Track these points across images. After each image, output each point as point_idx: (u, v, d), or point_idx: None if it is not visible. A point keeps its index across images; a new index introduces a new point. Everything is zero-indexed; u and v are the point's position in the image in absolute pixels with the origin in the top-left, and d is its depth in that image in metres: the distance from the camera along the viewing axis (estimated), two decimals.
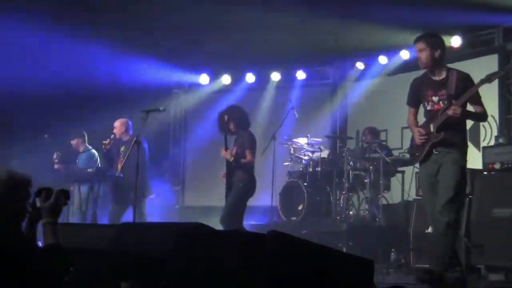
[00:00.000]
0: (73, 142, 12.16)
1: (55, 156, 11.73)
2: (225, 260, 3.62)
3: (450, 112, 6.99)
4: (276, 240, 3.36)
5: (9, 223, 4.37)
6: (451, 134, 7.13)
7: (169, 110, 16.01)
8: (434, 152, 7.22)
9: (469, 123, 12.09)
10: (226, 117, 9.75)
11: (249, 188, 9.70)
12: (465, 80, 7.19)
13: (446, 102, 7.13)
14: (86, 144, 12.18)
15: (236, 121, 9.73)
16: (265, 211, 12.35)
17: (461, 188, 7.14)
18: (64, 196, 4.60)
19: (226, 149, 9.62)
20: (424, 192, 7.65)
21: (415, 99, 7.64)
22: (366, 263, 3.83)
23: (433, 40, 7.29)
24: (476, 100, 7.22)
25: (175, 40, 13.72)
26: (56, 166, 11.67)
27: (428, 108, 7.38)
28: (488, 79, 7.12)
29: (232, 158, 9.50)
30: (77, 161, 11.99)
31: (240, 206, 9.59)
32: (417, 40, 7.35)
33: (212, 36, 13.25)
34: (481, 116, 7.48)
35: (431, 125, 7.26)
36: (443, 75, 7.29)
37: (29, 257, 4.19)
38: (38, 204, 4.51)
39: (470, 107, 7.33)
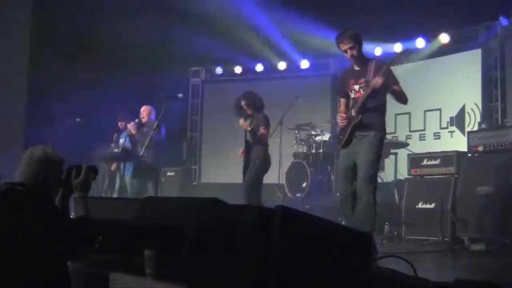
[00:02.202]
0: (122, 124, 12.15)
1: (115, 137, 11.81)
2: (237, 231, 3.64)
3: (373, 82, 6.90)
4: (283, 213, 3.37)
5: (44, 197, 4.43)
6: (369, 117, 7.06)
7: (187, 97, 16.05)
8: (354, 135, 7.13)
9: (454, 110, 12.29)
10: (242, 101, 9.80)
11: (265, 164, 9.74)
12: (381, 65, 7.04)
13: (365, 89, 7.05)
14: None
15: (251, 104, 9.75)
16: (272, 188, 12.39)
17: (374, 170, 7.05)
18: (93, 172, 4.64)
19: (244, 120, 9.70)
20: (339, 168, 7.55)
21: (343, 90, 7.52)
22: (365, 236, 3.85)
23: (356, 37, 7.10)
24: (395, 83, 7.10)
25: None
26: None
27: (352, 96, 7.28)
28: (395, 60, 7.32)
29: (249, 128, 9.56)
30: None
31: (258, 181, 9.64)
32: (342, 38, 7.14)
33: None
34: (402, 94, 7.23)
35: (352, 110, 7.18)
36: (363, 64, 7.21)
37: (62, 227, 4.24)
38: (70, 180, 4.57)
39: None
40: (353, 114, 7.14)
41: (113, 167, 11.80)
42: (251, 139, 9.59)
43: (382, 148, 7.29)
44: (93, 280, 4.47)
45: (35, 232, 4.04)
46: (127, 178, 11.18)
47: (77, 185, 4.49)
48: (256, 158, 9.56)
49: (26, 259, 4.02)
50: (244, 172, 9.63)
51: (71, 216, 4.57)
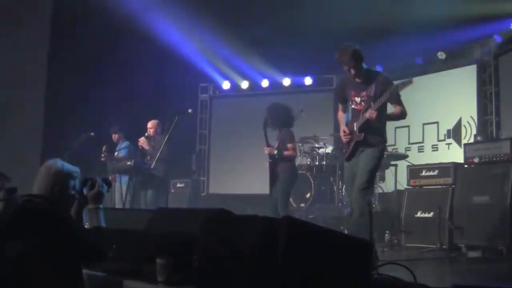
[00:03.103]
0: (114, 137, 12.20)
1: (104, 149, 11.79)
2: (244, 241, 3.65)
3: (367, 115, 6.88)
4: (288, 223, 3.38)
5: (60, 208, 4.44)
6: (371, 135, 7.01)
7: (196, 112, 16.07)
8: (358, 149, 7.09)
9: (450, 124, 12.31)
10: (267, 115, 9.58)
11: (293, 178, 9.56)
12: (384, 83, 6.94)
13: (366, 103, 6.99)
14: (124, 139, 12.22)
15: (276, 118, 9.52)
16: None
17: (370, 181, 6.97)
18: (107, 184, 4.68)
19: (268, 145, 9.48)
20: (346, 181, 7.50)
21: (341, 97, 7.46)
22: (367, 244, 3.84)
23: (356, 55, 6.91)
24: (396, 100, 7.02)
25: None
26: (103, 158, 11.72)
27: (353, 106, 7.21)
28: (397, 87, 6.82)
29: (275, 152, 9.35)
30: (116, 152, 12.00)
31: (287, 195, 9.46)
32: (342, 56, 6.99)
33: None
34: (400, 115, 7.16)
35: (355, 124, 7.12)
36: (364, 78, 7.07)
37: (77, 236, 4.25)
38: (84, 192, 4.59)
39: (391, 107, 7.19)
40: (355, 129, 7.11)
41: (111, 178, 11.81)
42: (278, 155, 9.38)
43: (382, 159, 7.30)
44: (108, 287, 4.48)
45: (52, 241, 4.06)
46: (123, 189, 11.21)
47: (91, 197, 4.53)
48: (284, 173, 9.38)
49: (43, 267, 4.03)
50: (271, 186, 9.38)
51: (86, 226, 4.59)
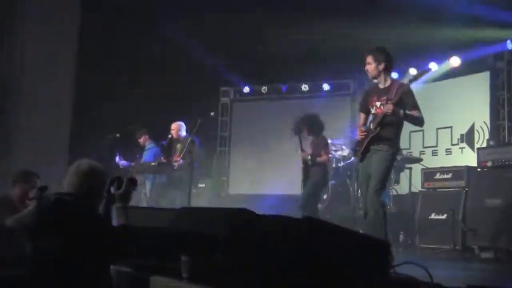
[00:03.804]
0: (141, 140, 12.26)
1: (117, 159, 11.86)
2: (266, 240, 3.67)
3: (384, 108, 6.90)
4: (309, 223, 3.39)
5: (89, 206, 4.48)
6: (386, 131, 6.98)
7: (217, 115, 16.11)
8: (370, 149, 7.07)
9: (464, 128, 12.25)
10: (303, 124, 9.78)
11: (322, 184, 9.84)
12: (407, 88, 6.99)
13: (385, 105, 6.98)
14: (150, 140, 12.28)
15: (310, 126, 9.75)
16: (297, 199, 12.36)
17: (383, 183, 6.96)
18: (133, 183, 4.69)
19: (302, 150, 9.65)
20: (360, 182, 7.49)
21: (364, 106, 7.45)
22: (384, 244, 3.84)
23: (379, 55, 7.05)
24: (413, 105, 7.00)
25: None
26: (121, 165, 11.78)
27: (372, 111, 7.20)
28: (414, 78, 7.20)
29: (309, 157, 9.53)
30: (141, 155, 12.06)
31: (314, 197, 9.66)
32: (366, 53, 7.13)
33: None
34: (417, 119, 7.12)
35: (371, 124, 7.13)
36: (388, 84, 7.12)
37: (105, 233, 4.29)
38: (112, 191, 4.62)
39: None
40: (371, 127, 7.10)
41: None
42: (311, 160, 9.55)
43: (394, 162, 7.28)
44: (135, 283, 4.51)
45: (81, 237, 4.10)
46: (148, 188, 11.27)
47: (118, 196, 4.55)
48: (315, 176, 9.57)
49: (73, 262, 4.07)
50: (304, 187, 9.65)
51: (113, 224, 4.62)
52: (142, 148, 12.16)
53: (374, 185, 6.89)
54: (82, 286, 4.08)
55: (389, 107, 6.84)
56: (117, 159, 11.79)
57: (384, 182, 7.00)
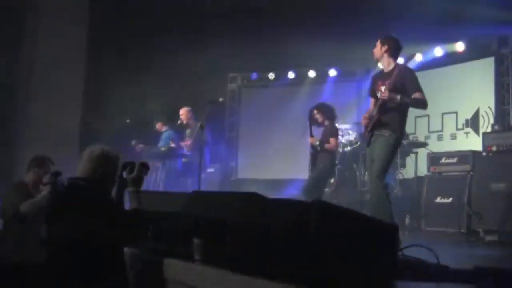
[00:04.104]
0: (158, 125, 12.23)
1: (133, 143, 11.85)
2: (277, 223, 3.68)
3: (379, 95, 6.96)
4: (320, 207, 3.41)
5: (102, 190, 4.52)
6: (386, 117, 6.96)
7: (225, 101, 16.14)
8: (373, 134, 7.07)
9: (469, 113, 12.24)
10: (315, 111, 9.87)
11: (329, 169, 9.85)
12: (408, 71, 7.07)
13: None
14: (166, 126, 12.23)
15: (324, 114, 9.82)
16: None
17: (385, 168, 6.93)
18: (145, 168, 4.73)
19: (311, 136, 9.71)
20: (367, 167, 7.57)
21: (373, 91, 7.42)
22: (392, 227, 3.85)
23: (385, 39, 7.12)
24: (415, 88, 6.94)
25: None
26: (137, 149, 11.78)
27: (378, 96, 7.13)
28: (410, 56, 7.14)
29: (317, 143, 9.59)
30: (159, 141, 12.04)
31: (320, 182, 9.67)
32: (385, 42, 7.15)
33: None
34: (419, 102, 7.02)
35: (374, 110, 7.13)
36: (391, 67, 7.12)
37: (118, 217, 4.32)
38: (124, 175, 4.65)
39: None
40: (374, 113, 7.11)
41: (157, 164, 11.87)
42: (319, 146, 9.61)
43: (397, 147, 7.22)
44: (149, 265, 4.54)
45: (94, 221, 4.14)
46: (158, 173, 11.29)
47: (131, 181, 4.58)
48: (321, 163, 9.61)
49: (86, 246, 4.11)
50: (312, 172, 9.75)
51: (125, 208, 4.65)
52: (158, 134, 12.10)
53: (376, 169, 6.91)
54: (95, 269, 4.13)
55: (384, 94, 6.86)
56: (133, 143, 11.79)
57: (385, 166, 6.96)
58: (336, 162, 10.13)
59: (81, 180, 4.43)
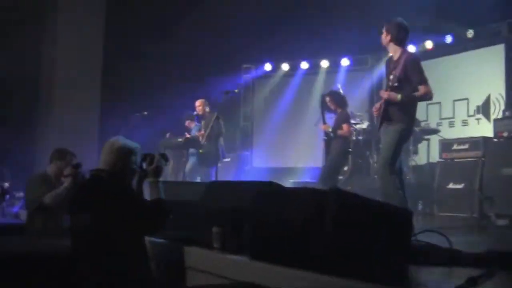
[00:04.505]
0: (187, 123, 12.18)
1: (168, 136, 11.87)
2: (294, 211, 3.71)
3: (381, 94, 6.96)
4: (337, 194, 3.43)
5: (123, 182, 4.57)
6: (392, 110, 6.82)
7: (240, 91, 16.17)
8: (383, 124, 6.96)
9: (480, 100, 12.23)
10: (327, 98, 9.90)
11: (343, 157, 9.94)
12: (411, 61, 6.81)
13: (392, 81, 6.86)
14: (195, 122, 12.17)
15: (335, 101, 9.83)
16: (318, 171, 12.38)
17: (391, 157, 6.74)
18: (164, 159, 4.79)
19: (324, 123, 9.76)
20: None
21: (387, 75, 7.26)
22: (407, 213, 3.86)
23: (390, 26, 6.96)
24: (419, 81, 6.75)
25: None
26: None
27: (389, 84, 6.94)
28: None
29: (330, 130, 9.62)
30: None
31: (335, 170, 9.73)
32: (385, 23, 7.04)
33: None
34: (425, 95, 6.86)
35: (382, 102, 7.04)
36: (397, 55, 6.97)
37: (139, 207, 4.38)
38: (144, 166, 4.71)
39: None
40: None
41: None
42: (332, 133, 9.63)
43: (405, 137, 7.04)
44: (170, 253, 4.59)
45: (116, 212, 4.19)
46: (189, 164, 11.29)
47: (151, 172, 4.64)
48: (335, 150, 9.60)
49: (109, 236, 4.16)
50: (326, 160, 9.82)
51: (146, 199, 4.71)
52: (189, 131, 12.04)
53: (382, 158, 6.91)
54: (118, 258, 4.18)
55: (385, 94, 6.82)
56: (167, 135, 11.82)
57: (392, 155, 6.76)
58: (349, 150, 10.11)
59: (103, 172, 4.49)
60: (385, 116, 6.93)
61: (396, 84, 6.77)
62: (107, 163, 4.50)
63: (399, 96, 6.75)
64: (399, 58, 6.94)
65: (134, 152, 4.64)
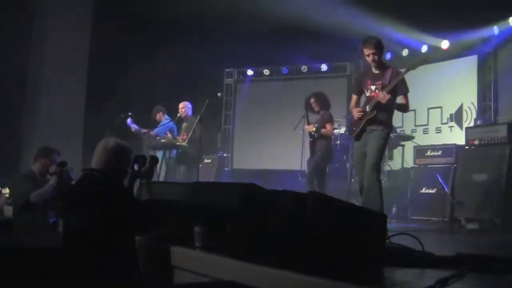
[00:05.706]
0: (157, 117, 12.18)
1: (129, 121, 11.75)
2: (274, 212, 3.76)
3: (379, 97, 7.03)
4: (316, 198, 3.48)
5: (116, 182, 4.60)
6: (381, 114, 7.12)
7: (222, 95, 16.17)
8: (367, 129, 7.19)
9: (453, 108, 12.35)
10: (313, 99, 10.02)
11: (329, 156, 9.98)
12: (397, 74, 7.13)
13: (379, 90, 7.09)
14: (166, 116, 12.18)
15: (319, 102, 9.95)
16: (296, 174, 12.42)
17: (379, 160, 7.11)
18: (155, 161, 4.86)
19: (309, 124, 9.94)
20: (355, 159, 7.53)
21: (358, 88, 7.58)
22: (381, 216, 3.92)
23: (379, 45, 7.18)
24: (404, 94, 7.19)
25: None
26: (132, 128, 11.70)
27: (367, 94, 7.32)
28: (412, 66, 7.20)
29: (314, 129, 9.72)
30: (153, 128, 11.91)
31: (321, 170, 9.79)
32: (367, 44, 7.16)
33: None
34: (404, 107, 7.32)
35: (367, 106, 7.23)
36: (381, 69, 7.25)
37: (132, 209, 4.40)
38: (135, 168, 4.74)
39: (398, 99, 7.24)
40: (367, 109, 7.22)
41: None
42: (316, 134, 9.73)
43: (388, 141, 7.39)
44: (157, 253, 4.59)
45: (109, 211, 4.20)
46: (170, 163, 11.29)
47: (144, 173, 4.67)
48: (320, 150, 9.72)
49: (101, 234, 4.17)
50: (310, 162, 9.85)
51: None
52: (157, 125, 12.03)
53: (371, 162, 7.02)
54: (109, 257, 4.19)
55: (384, 97, 6.98)
56: (128, 121, 11.75)
57: (379, 159, 7.14)
58: (333, 150, 10.18)
59: (96, 171, 4.50)
60: (372, 120, 7.13)
61: (387, 88, 7.03)
62: (101, 163, 4.51)
63: (395, 102, 7.04)
64: (384, 71, 7.22)
65: (127, 153, 4.66)
